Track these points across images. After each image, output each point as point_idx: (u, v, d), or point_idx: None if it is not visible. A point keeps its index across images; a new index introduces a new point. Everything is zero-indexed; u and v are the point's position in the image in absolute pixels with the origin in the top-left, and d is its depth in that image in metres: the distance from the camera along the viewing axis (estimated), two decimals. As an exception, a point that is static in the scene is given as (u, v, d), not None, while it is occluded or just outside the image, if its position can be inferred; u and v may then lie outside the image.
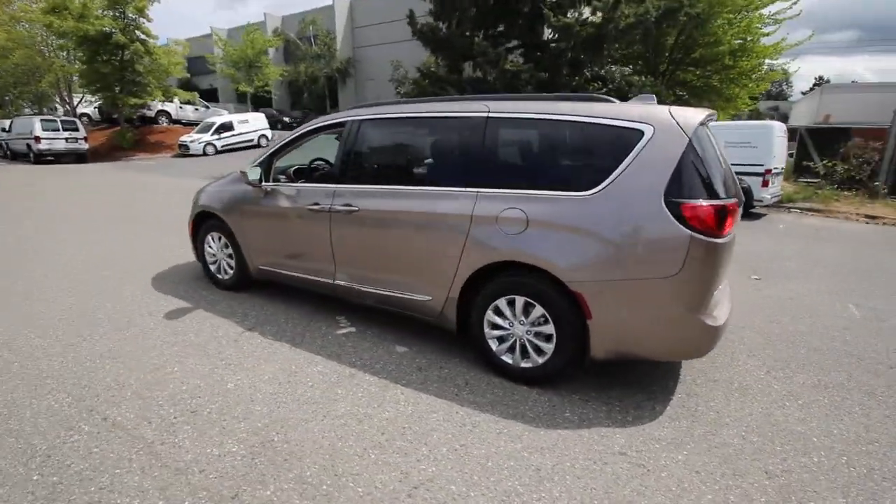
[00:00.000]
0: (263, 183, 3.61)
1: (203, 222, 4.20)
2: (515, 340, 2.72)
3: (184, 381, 2.72)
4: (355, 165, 3.26)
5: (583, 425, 2.39)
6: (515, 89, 12.40)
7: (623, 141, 2.36)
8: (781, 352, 3.28)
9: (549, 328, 2.57)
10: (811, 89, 37.37)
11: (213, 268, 4.25)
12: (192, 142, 20.97)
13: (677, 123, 2.29)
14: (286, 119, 31.68)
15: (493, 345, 2.80)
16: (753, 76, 16.49)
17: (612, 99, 2.61)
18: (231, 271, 4.11)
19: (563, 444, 2.24)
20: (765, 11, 15.36)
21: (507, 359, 2.77)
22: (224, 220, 3.92)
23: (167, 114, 27.60)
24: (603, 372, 2.86)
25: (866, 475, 2.09)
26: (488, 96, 2.90)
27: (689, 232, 2.21)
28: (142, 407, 2.47)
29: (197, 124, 24.01)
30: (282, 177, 3.82)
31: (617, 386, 2.75)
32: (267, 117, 25.36)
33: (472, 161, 2.74)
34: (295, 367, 2.91)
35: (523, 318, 2.66)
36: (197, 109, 28.78)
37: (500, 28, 13.72)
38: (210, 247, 4.20)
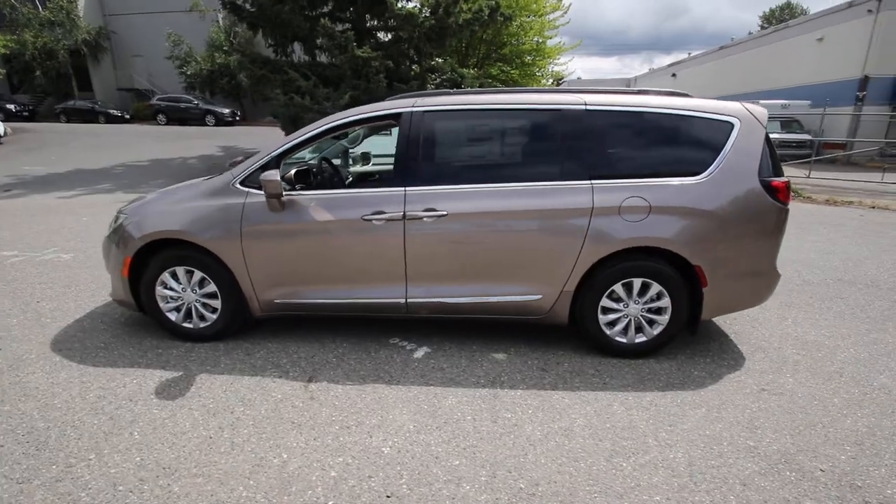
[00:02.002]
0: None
1: (151, 255, 3.01)
2: (630, 320, 2.90)
3: (319, 468, 2.03)
4: (429, 164, 2.83)
5: (717, 375, 2.75)
6: (367, 77, 12.00)
7: (720, 131, 2.73)
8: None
9: (664, 302, 2.83)
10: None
11: (174, 315, 3.10)
12: None
13: (754, 117, 2.77)
14: (10, 106, 23.46)
15: (606, 329, 2.92)
16: (545, 73, 19.65)
17: (687, 94, 2.95)
18: (213, 315, 3.07)
19: (722, 393, 2.56)
20: (549, 17, 18.38)
21: (621, 338, 2.93)
22: (205, 248, 2.89)
23: None
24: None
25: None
26: (570, 89, 2.91)
27: (776, 203, 2.74)
28: (305, 515, 1.78)
29: None
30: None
31: (691, 343, 3.21)
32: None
33: (579, 153, 2.73)
34: (425, 406, 2.46)
35: (637, 298, 2.85)
36: None
37: (328, 8, 12.94)
38: (169, 288, 3.04)
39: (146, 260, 3.01)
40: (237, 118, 24.89)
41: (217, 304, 3.04)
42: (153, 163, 14.67)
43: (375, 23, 13.62)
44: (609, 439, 2.22)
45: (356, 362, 2.90)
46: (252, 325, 3.30)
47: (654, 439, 2.22)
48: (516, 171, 2.83)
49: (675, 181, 2.71)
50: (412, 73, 13.84)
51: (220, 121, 23.99)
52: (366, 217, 2.76)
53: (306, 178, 3.19)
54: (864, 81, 17.90)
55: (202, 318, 3.09)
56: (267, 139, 18.70)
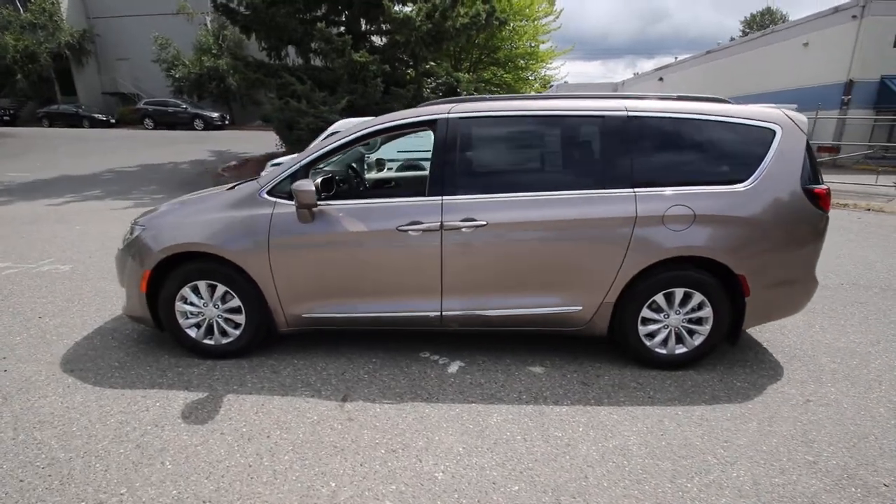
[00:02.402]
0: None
1: (170, 269, 2.85)
2: (670, 330, 2.83)
3: (373, 498, 1.91)
4: (466, 172, 2.73)
5: (760, 386, 2.69)
6: (364, 81, 11.89)
7: (762, 138, 2.68)
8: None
9: (705, 312, 2.77)
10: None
11: (194, 332, 2.94)
12: None
13: (795, 123, 2.73)
14: (-11, 111, 22.83)
15: (646, 340, 2.85)
16: (538, 77, 19.74)
17: (726, 99, 2.90)
18: (236, 331, 2.93)
19: (769, 406, 2.50)
20: (542, 22, 18.49)
21: (661, 350, 2.87)
22: (230, 261, 2.75)
23: None
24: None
25: None
26: (608, 95, 2.84)
27: (817, 210, 2.70)
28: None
29: None
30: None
31: (727, 353, 3.16)
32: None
33: (621, 161, 2.66)
34: (470, 426, 2.36)
35: (679, 309, 2.78)
36: None
37: (322, 11, 12.78)
38: (190, 303, 2.89)
39: (164, 274, 2.86)
40: (226, 122, 24.55)
41: (240, 319, 2.90)
42: (143, 168, 14.33)
43: (370, 27, 13.53)
44: (668, 458, 2.13)
45: (389, 378, 2.78)
46: (274, 340, 3.16)
47: (713, 457, 2.15)
48: (557, 179, 2.75)
49: (719, 189, 2.65)
50: (408, 77, 13.76)
51: (209, 125, 23.63)
52: (401, 228, 2.65)
53: (330, 187, 3.07)
54: (849, 85, 18.31)
55: (224, 333, 2.95)
56: (258, 143, 18.44)
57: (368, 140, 2.81)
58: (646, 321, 2.82)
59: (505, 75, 19.20)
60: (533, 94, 2.75)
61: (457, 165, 2.70)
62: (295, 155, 11.42)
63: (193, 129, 23.49)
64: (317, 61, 13.67)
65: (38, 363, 2.95)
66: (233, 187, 3.07)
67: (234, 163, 14.79)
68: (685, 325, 2.82)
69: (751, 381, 2.80)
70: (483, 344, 3.18)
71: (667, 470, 2.06)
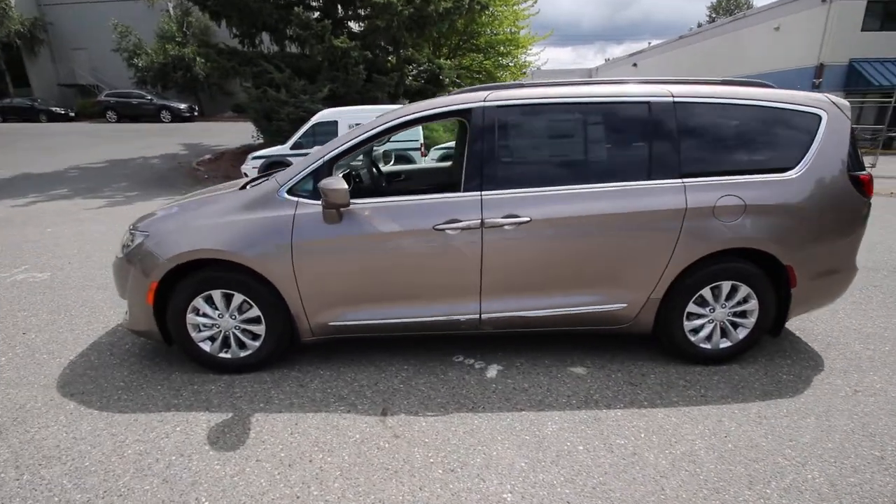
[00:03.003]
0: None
1: (179, 278, 2.59)
2: (715, 325, 2.75)
3: (438, 522, 1.75)
4: (506, 165, 2.55)
5: (806, 378, 2.63)
6: (345, 69, 11.46)
7: (809, 124, 2.59)
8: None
9: (751, 305, 2.69)
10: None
11: (208, 346, 2.69)
12: None
13: (839, 108, 2.65)
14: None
15: (691, 335, 2.76)
16: (518, 63, 19.51)
17: (770, 84, 2.79)
18: (256, 343, 2.69)
19: (820, 398, 2.44)
20: (520, 7, 18.21)
21: (705, 345, 2.78)
22: (249, 268, 2.50)
23: None
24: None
25: None
26: (649, 80, 2.69)
27: (862, 197, 2.63)
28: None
29: None
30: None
31: (764, 343, 3.10)
32: None
33: (669, 149, 2.52)
34: (526, 437, 2.21)
35: (725, 302, 2.70)
36: None
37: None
38: (203, 315, 2.63)
39: (172, 284, 2.60)
40: (195, 113, 23.50)
41: (260, 329, 2.66)
42: (110, 164, 13.54)
43: (347, 12, 13.03)
44: (739, 463, 2.04)
45: (427, 388, 2.61)
46: (294, 350, 2.94)
47: (783, 458, 2.07)
48: (601, 170, 2.59)
49: (769, 177, 2.55)
50: (389, 64, 13.37)
51: (177, 117, 22.57)
52: (438, 226, 2.46)
53: (349, 183, 2.84)
54: (820, 69, 18.81)
55: (242, 346, 2.71)
56: (231, 135, 17.70)
57: (399, 131, 2.58)
58: (691, 316, 2.72)
59: (485, 62, 18.90)
60: (572, 79, 2.54)
61: (495, 158, 2.51)
62: (278, 147, 10.95)
63: (160, 121, 22.39)
64: (293, 48, 13.13)
65: (31, 387, 2.66)
66: (244, 187, 2.80)
67: (208, 156, 14.14)
68: (730, 318, 2.74)
69: (795, 373, 2.75)
70: (516, 345, 3.04)
71: (741, 476, 1.97)
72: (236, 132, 17.79)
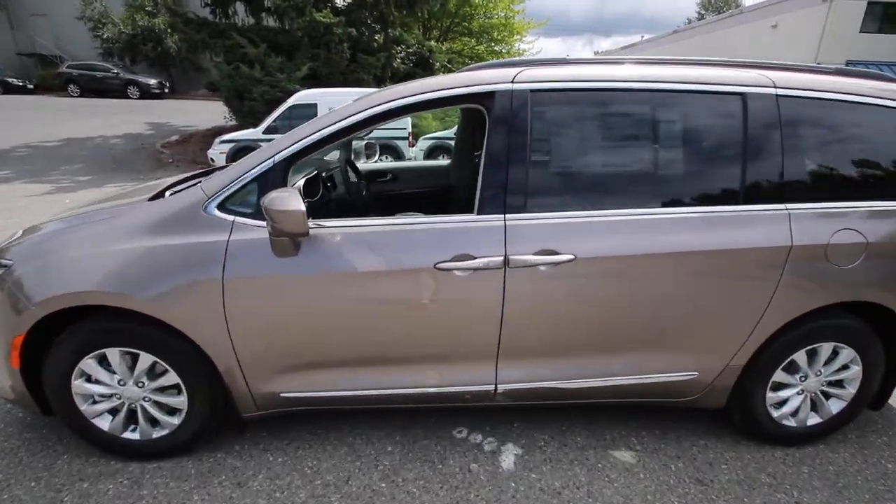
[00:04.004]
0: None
1: (60, 328, 1.76)
2: (805, 396, 2.06)
3: None
4: (542, 176, 1.77)
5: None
6: (327, 46, 10.46)
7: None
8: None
9: (852, 372, 2.01)
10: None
11: (107, 422, 1.87)
12: None
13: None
14: None
15: (773, 410, 2.06)
16: (511, 51, 18.67)
17: (878, 73, 2.06)
18: (175, 420, 1.88)
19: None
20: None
21: (789, 422, 2.09)
22: (158, 319, 1.69)
23: None
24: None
25: None
26: (741, 62, 1.94)
27: None
28: None
29: None
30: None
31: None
32: None
33: (769, 162, 1.79)
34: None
35: (822, 368, 2.00)
36: None
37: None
38: (96, 381, 1.81)
39: (50, 336, 1.77)
40: (166, 90, 21.97)
41: (180, 401, 1.86)
42: (66, 143, 12.26)
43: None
44: None
45: (420, 486, 1.85)
46: (233, 425, 2.13)
47: None
48: (676, 189, 1.83)
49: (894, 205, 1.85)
50: (376, 43, 12.39)
51: (146, 93, 21.02)
52: (441, 265, 1.68)
53: (316, 191, 2.04)
54: (817, 69, 18.42)
55: (155, 423, 1.90)
56: (203, 115, 16.40)
57: (385, 121, 1.78)
58: (776, 386, 2.02)
59: (477, 47, 17.98)
60: (640, 58, 1.86)
61: (526, 166, 1.73)
62: (249, 131, 9.89)
63: (127, 97, 20.83)
64: (270, 22, 12.02)
65: None
66: (159, 195, 1.96)
67: (175, 137, 12.98)
68: (825, 389, 2.05)
69: (903, 461, 2.08)
70: (537, 412, 2.30)
71: None
72: (209, 112, 16.49)
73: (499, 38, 17.05)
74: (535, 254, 1.69)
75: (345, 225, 1.74)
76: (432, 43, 14.12)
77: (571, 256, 1.70)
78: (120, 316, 1.73)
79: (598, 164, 1.87)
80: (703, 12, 48.54)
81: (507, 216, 1.71)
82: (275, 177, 1.70)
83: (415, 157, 8.92)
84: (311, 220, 1.65)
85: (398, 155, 8.75)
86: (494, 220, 1.71)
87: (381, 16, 11.42)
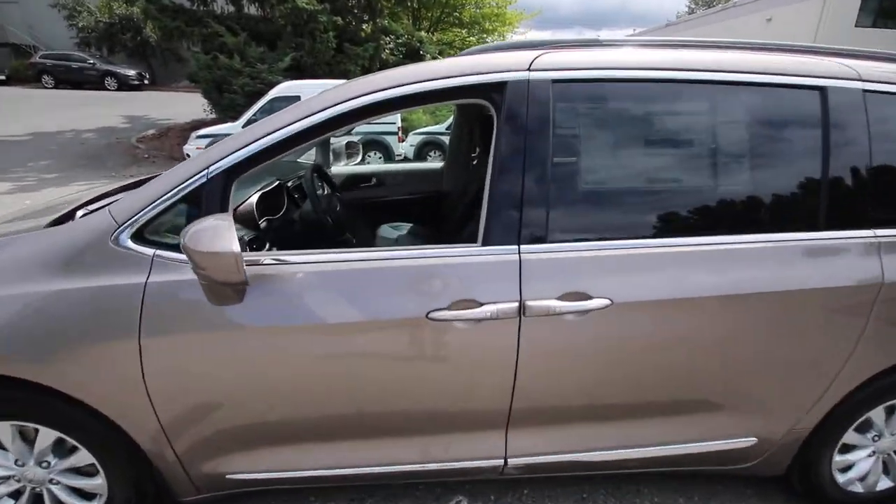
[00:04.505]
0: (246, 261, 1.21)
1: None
2: (876, 458, 1.69)
3: None
4: (568, 194, 1.35)
5: None
6: (311, 35, 9.92)
7: None
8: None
9: (936, 431, 1.65)
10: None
11: (3, 506, 1.45)
12: None
13: None
14: None
15: (839, 475, 1.69)
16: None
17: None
18: (90, 507, 1.46)
19: None
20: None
21: (856, 487, 1.72)
22: (51, 388, 1.26)
23: None
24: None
25: None
26: (816, 48, 1.55)
27: None
28: None
29: None
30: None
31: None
32: None
33: (853, 178, 1.40)
34: None
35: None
36: None
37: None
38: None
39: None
40: (145, 82, 21.14)
41: (98, 484, 1.43)
42: (34, 136, 11.57)
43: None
44: None
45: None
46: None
47: None
48: (739, 211, 1.42)
49: None
50: (363, 33, 11.86)
51: (124, 84, 20.17)
52: (436, 315, 1.26)
53: (276, 206, 1.61)
54: (812, 64, 18.25)
55: (58, 515, 1.47)
56: (184, 108, 15.67)
57: (366, 118, 1.34)
58: (846, 448, 1.65)
59: (468, 38, 17.49)
60: (684, 40, 1.51)
61: (548, 182, 1.32)
62: (228, 125, 9.35)
63: (105, 88, 19.98)
64: (251, 10, 11.43)
65: None
66: (58, 221, 1.50)
67: (152, 131, 12.37)
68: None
69: None
70: (549, 478, 1.90)
71: None
72: (190, 104, 15.78)
73: (490, 28, 16.58)
74: (560, 298, 1.28)
75: (309, 261, 1.31)
76: (422, 33, 13.62)
77: (607, 301, 1.29)
78: (6, 381, 1.29)
79: (640, 179, 1.44)
80: (693, 6, 48.32)
81: (523, 248, 1.30)
82: (210, 196, 1.26)
83: (405, 153, 8.46)
84: (263, 252, 1.22)
85: (388, 152, 8.29)
86: (506, 252, 1.30)
87: (368, 4, 10.89)
